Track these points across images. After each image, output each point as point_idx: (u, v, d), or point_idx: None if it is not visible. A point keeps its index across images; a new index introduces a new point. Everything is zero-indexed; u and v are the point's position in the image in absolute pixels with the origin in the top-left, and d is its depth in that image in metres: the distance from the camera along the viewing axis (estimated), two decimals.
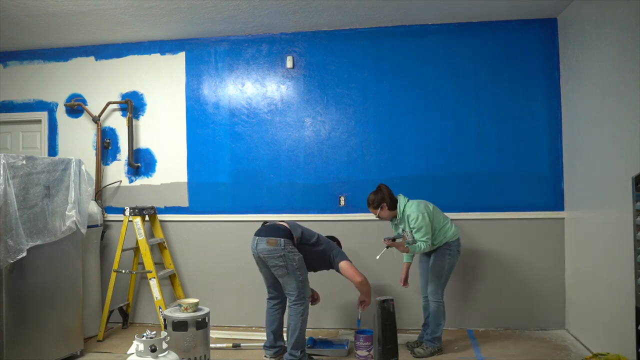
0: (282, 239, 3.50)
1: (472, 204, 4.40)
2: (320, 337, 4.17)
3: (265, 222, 3.80)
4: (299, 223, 3.78)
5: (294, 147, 4.63)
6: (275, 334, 3.74)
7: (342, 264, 3.67)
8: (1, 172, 3.24)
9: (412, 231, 3.68)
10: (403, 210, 3.73)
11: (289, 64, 4.61)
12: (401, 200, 3.77)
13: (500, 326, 4.39)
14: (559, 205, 4.30)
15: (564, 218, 4.28)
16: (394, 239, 3.70)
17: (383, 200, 3.74)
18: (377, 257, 3.82)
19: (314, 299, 3.94)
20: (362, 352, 3.66)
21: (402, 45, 4.51)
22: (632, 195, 2.79)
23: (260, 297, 4.61)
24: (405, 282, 4.00)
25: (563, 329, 4.28)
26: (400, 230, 3.83)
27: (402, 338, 3.88)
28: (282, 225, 3.66)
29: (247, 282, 4.62)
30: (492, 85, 4.41)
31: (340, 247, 3.97)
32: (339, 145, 4.58)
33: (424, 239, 3.62)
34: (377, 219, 3.86)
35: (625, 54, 3.16)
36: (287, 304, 3.63)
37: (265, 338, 3.81)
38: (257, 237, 3.58)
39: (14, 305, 3.34)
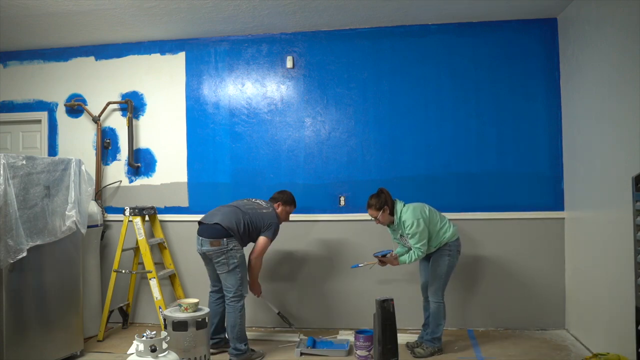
0: (225, 239, 3.61)
1: (472, 204, 4.40)
2: (320, 337, 4.17)
3: (199, 221, 3.81)
4: (240, 206, 3.81)
5: (294, 147, 4.63)
6: (217, 325, 3.87)
7: (260, 238, 3.78)
8: (1, 172, 3.24)
9: (407, 237, 3.68)
10: (400, 216, 3.71)
11: (289, 64, 4.61)
12: (398, 205, 3.75)
13: (500, 326, 4.39)
14: (559, 205, 4.30)
15: (564, 218, 4.28)
16: (384, 255, 3.73)
17: (385, 203, 3.72)
18: (361, 265, 3.94)
19: (258, 292, 4.04)
20: (362, 352, 3.66)
21: (402, 45, 4.51)
22: (632, 195, 2.79)
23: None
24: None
25: (563, 329, 4.28)
26: (397, 236, 3.83)
27: (402, 338, 3.88)
28: (217, 225, 3.65)
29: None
30: (492, 85, 4.41)
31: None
32: (339, 145, 4.58)
33: (418, 245, 3.61)
34: (374, 220, 3.84)
35: (625, 54, 3.16)
36: (226, 301, 3.71)
37: (264, 339, 3.82)
38: (201, 238, 3.69)
39: (14, 305, 3.34)
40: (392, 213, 3.75)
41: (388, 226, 3.87)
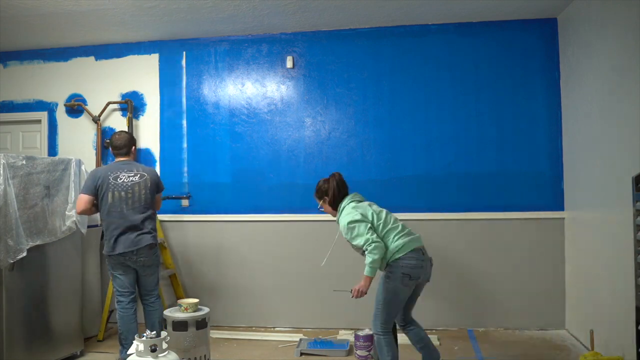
0: (155, 240, 3.57)
1: (472, 204, 4.39)
2: (320, 337, 4.17)
3: (129, 226, 3.45)
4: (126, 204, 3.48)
5: (294, 147, 4.63)
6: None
7: (158, 196, 3.72)
8: (1, 172, 3.24)
9: (350, 243, 3.03)
10: (339, 216, 3.10)
11: (289, 64, 4.61)
12: (344, 202, 3.11)
13: (500, 326, 4.39)
14: (559, 205, 4.30)
15: (564, 218, 4.28)
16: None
17: (325, 193, 3.15)
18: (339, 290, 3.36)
19: None
20: (362, 352, 3.66)
21: (402, 45, 4.51)
22: (632, 195, 2.79)
23: (260, 297, 4.62)
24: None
25: (563, 329, 4.28)
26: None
27: (402, 338, 3.88)
28: (145, 230, 3.48)
29: (247, 282, 4.62)
30: (492, 85, 4.41)
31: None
32: (339, 145, 4.57)
33: (366, 245, 2.85)
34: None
35: (625, 53, 3.16)
36: (148, 301, 3.62)
37: (262, 338, 3.80)
38: (135, 247, 3.42)
39: (14, 305, 3.34)
40: (334, 207, 3.15)
41: None
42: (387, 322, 2.96)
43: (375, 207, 3.11)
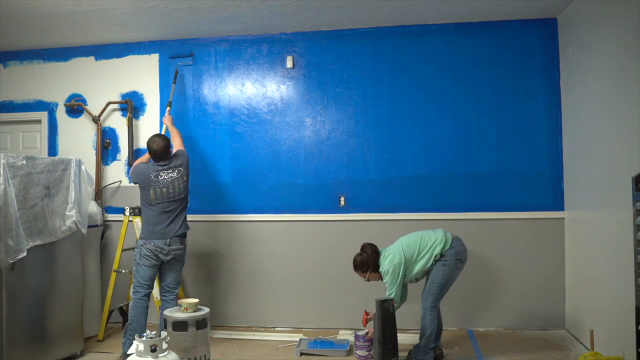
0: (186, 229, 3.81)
1: (472, 204, 4.39)
2: (320, 337, 4.17)
3: (166, 219, 3.72)
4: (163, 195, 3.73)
5: (294, 147, 4.63)
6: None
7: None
8: (1, 172, 3.24)
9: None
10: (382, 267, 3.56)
11: (289, 64, 4.61)
12: (381, 258, 3.56)
13: (500, 326, 4.39)
14: (559, 205, 4.30)
15: (564, 218, 4.28)
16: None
17: (365, 264, 3.57)
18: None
19: None
20: (362, 352, 3.66)
21: (402, 45, 4.51)
22: (632, 195, 2.79)
23: (260, 297, 4.63)
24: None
25: (563, 329, 4.28)
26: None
27: (402, 338, 3.88)
28: (179, 221, 3.77)
29: (246, 282, 4.62)
30: (492, 85, 4.41)
31: None
32: (339, 145, 4.57)
33: (388, 292, 3.49)
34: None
35: (625, 53, 3.16)
36: (168, 298, 3.79)
37: (262, 338, 3.81)
38: (168, 239, 3.69)
39: (14, 305, 3.34)
40: (378, 269, 3.57)
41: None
42: (436, 301, 3.53)
43: (402, 239, 3.60)
